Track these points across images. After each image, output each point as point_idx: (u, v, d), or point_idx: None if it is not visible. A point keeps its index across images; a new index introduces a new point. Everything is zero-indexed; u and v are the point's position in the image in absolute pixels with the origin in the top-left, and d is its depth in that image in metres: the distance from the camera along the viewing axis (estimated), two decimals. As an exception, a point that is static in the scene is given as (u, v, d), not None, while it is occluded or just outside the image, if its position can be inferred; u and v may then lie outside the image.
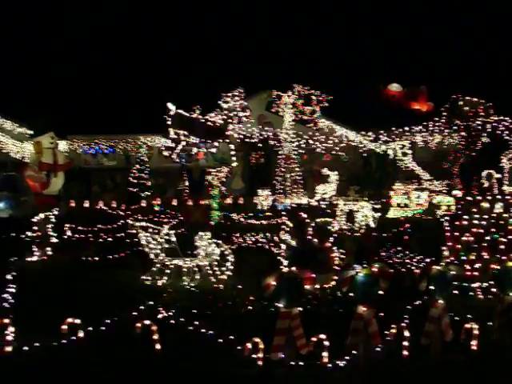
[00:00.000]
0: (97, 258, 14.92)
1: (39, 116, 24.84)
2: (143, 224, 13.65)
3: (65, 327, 7.87)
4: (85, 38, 40.14)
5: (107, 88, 35.90)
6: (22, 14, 38.79)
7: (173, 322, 8.50)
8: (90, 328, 7.96)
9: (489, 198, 13.33)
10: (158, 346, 7.72)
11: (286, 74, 33.27)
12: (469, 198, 13.63)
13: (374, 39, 42.60)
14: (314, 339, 7.56)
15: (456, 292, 8.77)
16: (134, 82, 35.26)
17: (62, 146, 30.72)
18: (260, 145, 33.43)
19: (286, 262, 12.47)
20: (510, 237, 12.18)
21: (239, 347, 7.48)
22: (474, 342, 7.99)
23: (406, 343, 7.68)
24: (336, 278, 8.58)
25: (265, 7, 42.94)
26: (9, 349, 7.61)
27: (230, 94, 27.89)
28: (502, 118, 26.02)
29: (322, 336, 7.53)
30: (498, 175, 26.66)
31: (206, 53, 38.43)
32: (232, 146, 27.75)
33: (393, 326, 7.91)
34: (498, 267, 8.61)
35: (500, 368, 7.50)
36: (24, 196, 18.04)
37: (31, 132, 26.73)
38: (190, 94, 29.68)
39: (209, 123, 22.70)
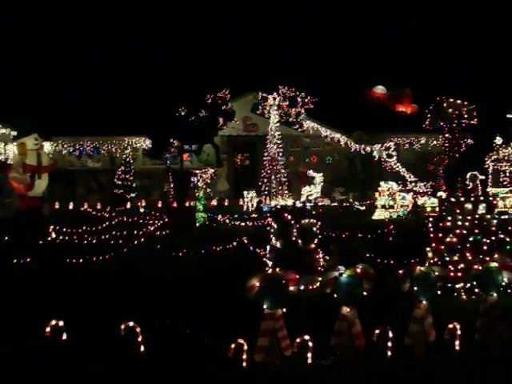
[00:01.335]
0: (81, 260, 14.87)
1: (23, 117, 24.71)
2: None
3: (48, 329, 7.83)
4: (69, 38, 39.92)
5: (92, 89, 35.74)
6: (4, 13, 38.56)
7: (156, 323, 8.48)
8: (74, 330, 7.93)
9: (472, 199, 13.44)
10: (141, 348, 7.70)
11: (272, 75, 33.30)
12: (453, 200, 13.72)
13: (360, 41, 42.75)
14: (297, 340, 7.59)
15: (439, 292, 8.80)
16: (119, 83, 35.14)
17: (47, 147, 30.57)
18: (245, 146, 33.56)
19: (270, 264, 12.49)
20: (492, 238, 12.30)
21: (223, 348, 7.49)
22: (457, 342, 8.04)
23: (389, 343, 7.71)
24: (320, 279, 8.58)
25: (250, 8, 42.97)
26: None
27: (215, 95, 27.96)
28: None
29: (306, 337, 7.55)
30: (482, 177, 26.95)
31: (191, 54, 38.38)
32: (217, 148, 27.79)
33: (377, 326, 7.94)
34: (481, 268, 8.67)
35: (482, 367, 7.55)
36: (8, 198, 17.91)
37: (15, 133, 26.57)
38: (176, 94, 29.66)
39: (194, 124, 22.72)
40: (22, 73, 36.52)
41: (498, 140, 28.48)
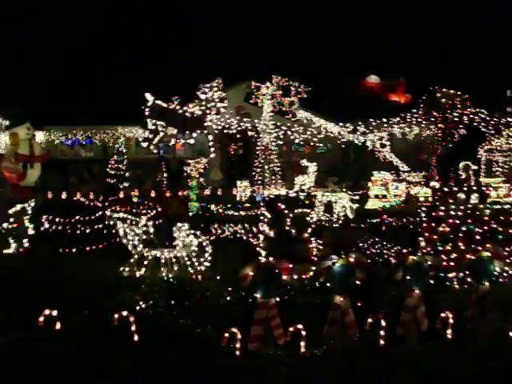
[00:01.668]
0: (74, 250, 14.84)
1: (15, 106, 24.63)
2: (121, 215, 13.59)
3: (41, 319, 7.83)
4: (61, 25, 39.72)
5: (84, 78, 35.61)
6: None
7: (150, 312, 8.50)
8: (67, 319, 7.93)
9: (465, 189, 13.49)
10: (135, 338, 7.71)
11: (265, 64, 33.25)
12: (446, 189, 13.77)
13: (353, 30, 42.73)
14: (291, 329, 7.62)
15: (432, 282, 8.85)
16: (111, 71, 35.00)
17: (39, 137, 30.42)
18: (238, 136, 33.48)
19: (263, 253, 12.51)
20: (485, 227, 12.36)
21: (217, 337, 7.51)
22: (449, 331, 8.09)
23: (382, 332, 7.75)
24: (313, 268, 8.61)
25: (243, -2, 42.88)
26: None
27: (208, 85, 27.83)
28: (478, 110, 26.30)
29: (299, 326, 7.58)
30: (475, 167, 26.99)
31: (184, 42, 38.24)
32: (210, 137, 27.74)
33: (369, 315, 7.98)
34: (473, 257, 8.72)
35: (474, 356, 7.60)
36: (0, 187, 17.86)
37: (7, 123, 26.45)
38: (168, 84, 29.58)
39: (187, 114, 22.65)
40: (14, 62, 36.36)
41: (491, 130, 28.53)
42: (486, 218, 12.61)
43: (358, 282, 7.93)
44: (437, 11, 43.59)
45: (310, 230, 13.12)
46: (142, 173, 33.03)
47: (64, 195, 24.00)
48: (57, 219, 17.53)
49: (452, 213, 12.53)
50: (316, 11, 44.68)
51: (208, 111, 27.20)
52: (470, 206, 12.86)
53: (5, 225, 14.72)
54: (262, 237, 13.22)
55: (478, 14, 42.21)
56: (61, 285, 10.68)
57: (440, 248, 12.11)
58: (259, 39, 40.24)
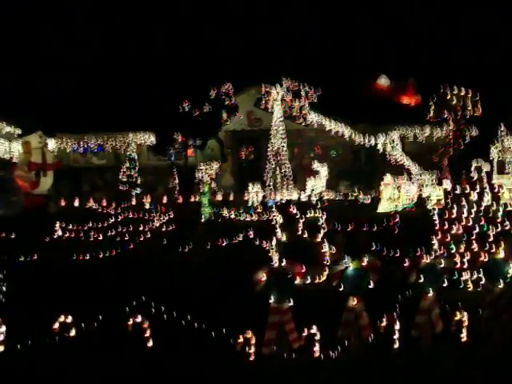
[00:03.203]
0: (88, 257, 14.89)
1: (27, 115, 24.77)
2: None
3: (57, 325, 7.87)
4: (71, 34, 39.91)
5: (95, 86, 35.70)
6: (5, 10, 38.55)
7: (165, 317, 8.52)
8: (82, 326, 7.96)
9: (478, 190, 13.41)
10: (149, 343, 7.73)
11: (275, 69, 33.20)
12: (458, 191, 13.69)
13: (362, 32, 42.59)
14: (305, 333, 7.61)
15: (446, 284, 8.80)
16: (122, 79, 35.08)
17: (51, 145, 30.59)
18: (249, 141, 33.50)
19: (276, 258, 12.49)
20: (498, 229, 12.27)
21: (232, 342, 7.52)
22: (463, 333, 8.05)
23: (396, 335, 7.73)
24: (326, 272, 8.61)
25: (252, 2, 42.84)
26: (1, 348, 7.61)
27: (219, 90, 27.90)
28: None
29: (314, 329, 7.57)
30: (487, 167, 26.84)
31: (194, 49, 38.30)
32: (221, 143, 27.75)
33: (383, 318, 7.96)
34: (487, 259, 8.68)
35: (488, 357, 7.57)
36: (14, 196, 18.00)
37: (19, 131, 26.61)
38: (179, 90, 29.61)
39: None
40: (26, 71, 36.55)
41: (503, 130, 28.39)
42: (499, 220, 12.53)
43: (371, 285, 7.91)
44: (446, 9, 43.43)
45: (322, 234, 13.09)
46: (154, 179, 33.10)
47: (77, 202, 24.13)
48: (70, 226, 17.62)
49: (465, 214, 12.48)
50: (324, 14, 44.67)
51: (219, 117, 27.28)
52: (482, 207, 12.78)
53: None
54: (274, 241, 13.19)
55: (489, 11, 41.98)
56: (75, 291, 10.73)
57: (453, 250, 12.05)
58: (269, 43, 40.24)
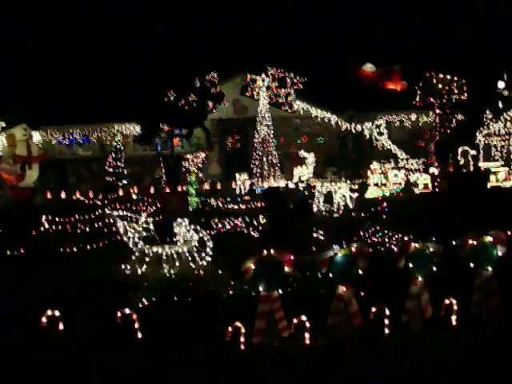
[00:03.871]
0: (75, 249, 14.80)
1: (10, 108, 24.53)
2: (120, 213, 13.53)
3: (44, 320, 7.79)
4: (55, 25, 39.54)
5: (79, 76, 35.41)
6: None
7: (153, 309, 8.47)
8: (70, 320, 7.89)
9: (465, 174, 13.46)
10: (139, 335, 7.68)
11: (260, 56, 33.07)
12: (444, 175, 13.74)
13: (348, 19, 42.56)
14: (294, 321, 7.59)
15: (435, 269, 8.79)
16: (106, 69, 34.81)
17: (36, 137, 30.33)
18: (236, 129, 33.42)
19: (264, 246, 12.46)
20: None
21: (220, 332, 7.48)
22: (453, 318, 8.07)
23: (386, 321, 7.73)
24: (315, 259, 8.56)
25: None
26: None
27: (204, 79, 27.74)
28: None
29: (303, 318, 7.56)
30: (474, 152, 26.97)
31: (178, 37, 38.03)
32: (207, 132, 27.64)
33: (373, 304, 7.95)
34: (476, 242, 8.66)
35: (478, 342, 7.58)
36: (-1, 190, 17.82)
37: (3, 124, 26.39)
38: (164, 79, 29.41)
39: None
40: (8, 63, 36.18)
41: (489, 114, 28.52)
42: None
43: (360, 272, 7.89)
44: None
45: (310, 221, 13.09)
46: (141, 170, 33.00)
47: (63, 195, 23.99)
48: (56, 219, 17.52)
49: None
50: (309, 1, 44.56)
51: (204, 105, 27.16)
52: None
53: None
54: (262, 229, 13.18)
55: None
56: (62, 285, 10.64)
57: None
58: (253, 30, 40.03)
